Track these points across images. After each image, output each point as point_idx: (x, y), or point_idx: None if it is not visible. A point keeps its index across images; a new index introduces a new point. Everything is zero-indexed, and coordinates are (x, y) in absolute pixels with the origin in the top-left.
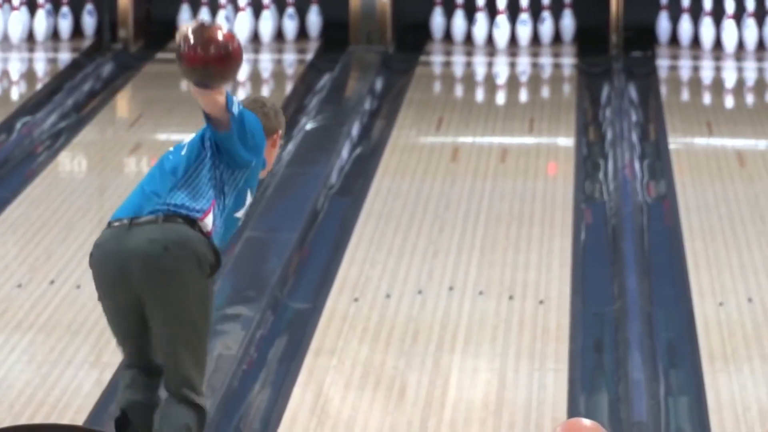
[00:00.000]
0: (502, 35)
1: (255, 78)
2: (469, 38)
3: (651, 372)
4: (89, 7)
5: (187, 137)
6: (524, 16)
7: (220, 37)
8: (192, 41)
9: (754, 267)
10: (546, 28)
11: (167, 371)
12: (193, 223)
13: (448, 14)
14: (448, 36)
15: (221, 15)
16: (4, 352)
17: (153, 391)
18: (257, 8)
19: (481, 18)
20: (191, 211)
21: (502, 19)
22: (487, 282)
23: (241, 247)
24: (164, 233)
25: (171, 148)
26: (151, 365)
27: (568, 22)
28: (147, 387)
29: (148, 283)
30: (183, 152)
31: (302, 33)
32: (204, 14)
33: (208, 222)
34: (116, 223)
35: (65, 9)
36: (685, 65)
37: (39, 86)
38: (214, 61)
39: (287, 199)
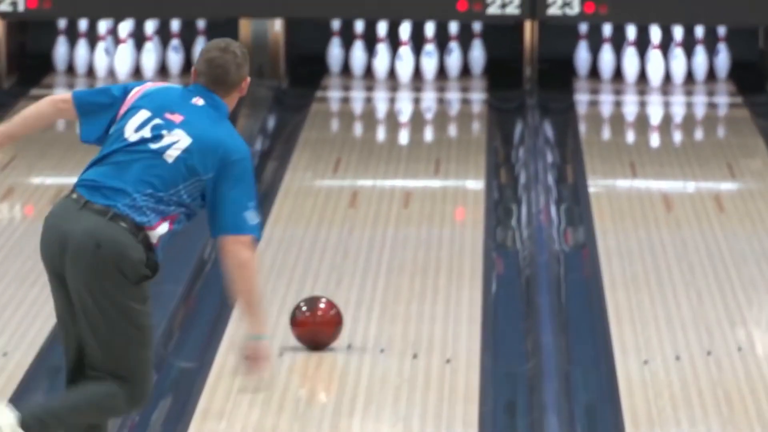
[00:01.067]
0: (405, 68)
1: None
2: (369, 71)
3: None
4: None
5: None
6: (429, 48)
7: None
8: None
9: (681, 321)
10: (453, 60)
11: (96, 357)
12: (139, 230)
13: (347, 45)
14: (346, 69)
15: (101, 47)
16: None
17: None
18: (139, 40)
19: (382, 49)
20: (144, 221)
21: (405, 51)
22: (388, 338)
23: None
24: (104, 231)
25: (154, 119)
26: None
27: (477, 53)
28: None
29: (77, 272)
30: (172, 161)
31: (187, 66)
32: (82, 47)
33: (158, 232)
34: (74, 195)
35: None
36: (606, 100)
37: None
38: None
39: (172, 248)
